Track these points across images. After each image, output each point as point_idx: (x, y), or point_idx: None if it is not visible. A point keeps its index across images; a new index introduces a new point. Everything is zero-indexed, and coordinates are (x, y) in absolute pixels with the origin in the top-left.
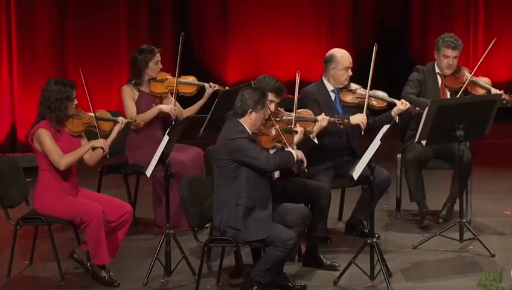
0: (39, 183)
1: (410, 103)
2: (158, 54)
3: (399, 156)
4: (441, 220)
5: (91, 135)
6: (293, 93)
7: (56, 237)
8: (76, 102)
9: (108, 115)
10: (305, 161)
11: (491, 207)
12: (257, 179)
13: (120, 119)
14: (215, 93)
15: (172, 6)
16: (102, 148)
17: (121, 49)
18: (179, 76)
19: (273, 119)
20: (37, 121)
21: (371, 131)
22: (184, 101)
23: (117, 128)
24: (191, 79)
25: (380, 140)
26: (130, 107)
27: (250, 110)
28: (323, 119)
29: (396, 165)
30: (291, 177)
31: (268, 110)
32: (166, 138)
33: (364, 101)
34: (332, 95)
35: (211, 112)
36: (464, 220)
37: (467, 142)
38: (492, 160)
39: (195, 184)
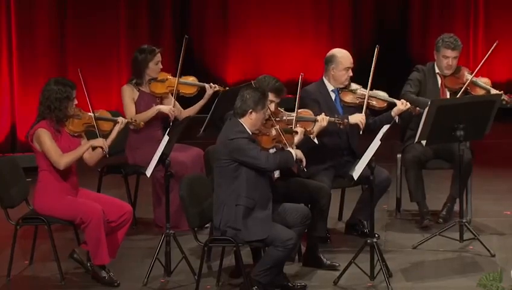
0: (39, 183)
1: (409, 102)
2: (159, 54)
3: (399, 156)
4: (441, 220)
5: (91, 135)
6: (294, 94)
7: (56, 237)
8: (76, 102)
9: (108, 115)
10: (304, 160)
11: (491, 207)
12: (257, 179)
13: (120, 119)
14: (215, 93)
15: (172, 6)
16: (101, 147)
17: (121, 49)
18: (180, 76)
19: (273, 119)
20: (37, 121)
21: (371, 131)
22: (184, 101)
23: (117, 128)
24: (192, 79)
25: (380, 140)
26: (130, 107)
27: (250, 111)
28: (323, 119)
29: (396, 165)
30: (291, 177)
31: (269, 110)
32: (166, 138)
33: (365, 102)
34: (333, 95)
35: (211, 112)
36: (464, 220)
37: (467, 142)
38: (492, 160)
39: (195, 184)
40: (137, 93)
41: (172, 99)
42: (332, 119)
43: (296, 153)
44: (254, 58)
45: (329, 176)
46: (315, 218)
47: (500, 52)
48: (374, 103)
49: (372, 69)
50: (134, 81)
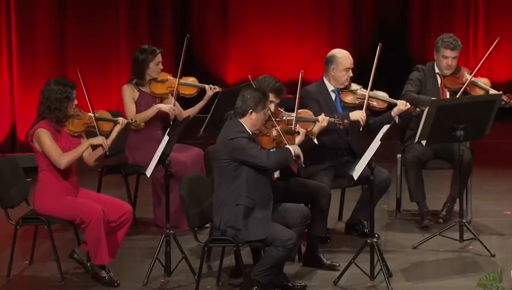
0: (39, 183)
1: (411, 101)
2: (159, 55)
3: (399, 156)
4: (441, 220)
5: (91, 135)
6: (294, 93)
7: (56, 237)
8: (76, 102)
9: (108, 116)
10: (301, 155)
11: (491, 207)
12: (257, 179)
13: (120, 119)
14: (215, 94)
15: (172, 6)
16: (101, 145)
17: (121, 49)
18: (180, 77)
19: (273, 119)
20: (37, 121)
21: (371, 131)
22: (184, 102)
23: (117, 128)
24: (192, 80)
25: (380, 140)
26: (130, 107)
27: (250, 111)
28: (323, 120)
29: (396, 165)
30: (291, 177)
31: (269, 110)
32: (166, 138)
33: (365, 102)
34: (333, 95)
35: (211, 112)
36: (464, 220)
37: (467, 142)
38: (492, 160)
39: (195, 184)
40: (138, 93)
41: (173, 100)
42: (332, 119)
43: (294, 148)
44: (254, 58)
45: (329, 176)
46: (315, 218)
47: (500, 52)
48: (374, 103)
49: (373, 67)
50: (134, 81)
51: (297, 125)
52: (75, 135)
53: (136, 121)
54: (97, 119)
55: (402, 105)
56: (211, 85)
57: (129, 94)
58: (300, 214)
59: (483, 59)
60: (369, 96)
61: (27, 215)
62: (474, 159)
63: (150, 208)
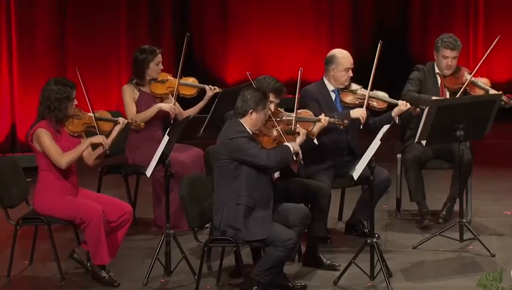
0: (39, 183)
1: (412, 100)
2: (159, 55)
3: (399, 156)
4: (441, 220)
5: (91, 135)
6: (294, 93)
7: (56, 237)
8: (76, 102)
9: (108, 116)
10: (300, 152)
11: (491, 207)
12: (257, 179)
13: (120, 119)
14: (215, 95)
15: (172, 6)
16: (101, 144)
17: (121, 49)
18: (180, 77)
19: (274, 119)
20: (37, 121)
21: (371, 132)
22: (184, 102)
23: (117, 128)
24: (192, 81)
25: (380, 140)
26: (130, 107)
27: (251, 111)
28: (323, 120)
29: (396, 165)
30: (291, 177)
31: (269, 111)
32: (166, 138)
33: (365, 100)
34: (333, 95)
35: (211, 112)
36: (464, 220)
37: (467, 142)
38: (492, 160)
39: (195, 184)
40: (138, 93)
41: (173, 100)
42: (332, 120)
43: (293, 145)
44: (254, 58)
45: (329, 176)
46: (315, 218)
47: (499, 52)
48: (374, 103)
49: (374, 65)
50: (134, 81)
51: (298, 125)
52: (75, 135)
53: (136, 121)
54: (97, 119)
55: (402, 105)
56: (210, 86)
57: (129, 94)
58: (300, 214)
59: (484, 57)
60: (369, 96)
61: (27, 215)
62: (474, 159)
63: (150, 208)
